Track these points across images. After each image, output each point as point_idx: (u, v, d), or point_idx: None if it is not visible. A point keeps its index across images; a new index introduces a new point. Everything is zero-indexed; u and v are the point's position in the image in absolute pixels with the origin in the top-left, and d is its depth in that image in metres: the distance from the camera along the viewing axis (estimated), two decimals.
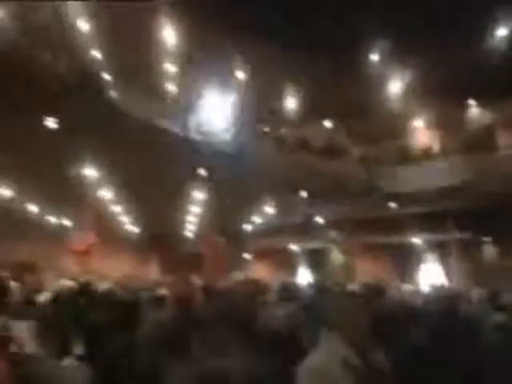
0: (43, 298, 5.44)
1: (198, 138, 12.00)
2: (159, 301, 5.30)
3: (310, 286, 8.26)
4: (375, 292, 5.28)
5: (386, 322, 3.36)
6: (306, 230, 16.46)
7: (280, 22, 10.52)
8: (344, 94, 13.59)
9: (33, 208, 13.72)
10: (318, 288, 6.71)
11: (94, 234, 15.04)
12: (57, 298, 5.18)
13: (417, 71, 12.39)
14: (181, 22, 10.56)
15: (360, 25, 10.56)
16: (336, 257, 18.48)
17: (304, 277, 17.84)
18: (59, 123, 9.71)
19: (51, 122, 9.73)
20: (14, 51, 8.29)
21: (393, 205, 14.96)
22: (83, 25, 10.76)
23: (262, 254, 18.83)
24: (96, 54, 11.67)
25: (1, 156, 9.14)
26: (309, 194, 13.62)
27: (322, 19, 11.51)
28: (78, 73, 9.85)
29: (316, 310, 3.68)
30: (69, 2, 9.96)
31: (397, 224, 15.10)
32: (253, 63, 12.08)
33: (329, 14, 11.41)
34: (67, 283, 6.65)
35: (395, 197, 14.76)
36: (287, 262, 18.63)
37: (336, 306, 2.29)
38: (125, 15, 10.47)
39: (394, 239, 16.40)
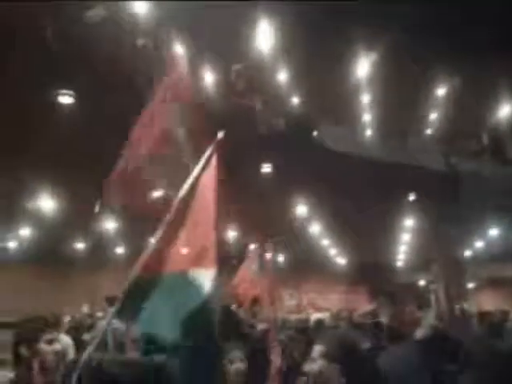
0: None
1: (405, 161, 11.38)
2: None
3: None
4: None
5: None
6: None
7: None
8: None
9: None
10: None
11: None
12: None
13: None
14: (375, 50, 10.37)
15: None
16: None
17: None
18: (272, 166, 10.46)
19: (265, 167, 10.58)
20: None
21: None
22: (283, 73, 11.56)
23: (491, 283, 16.54)
24: (298, 96, 12.32)
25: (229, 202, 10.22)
26: None
27: None
28: (285, 117, 10.52)
29: None
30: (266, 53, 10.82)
31: None
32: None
33: None
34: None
35: None
36: None
37: None
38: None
39: None
